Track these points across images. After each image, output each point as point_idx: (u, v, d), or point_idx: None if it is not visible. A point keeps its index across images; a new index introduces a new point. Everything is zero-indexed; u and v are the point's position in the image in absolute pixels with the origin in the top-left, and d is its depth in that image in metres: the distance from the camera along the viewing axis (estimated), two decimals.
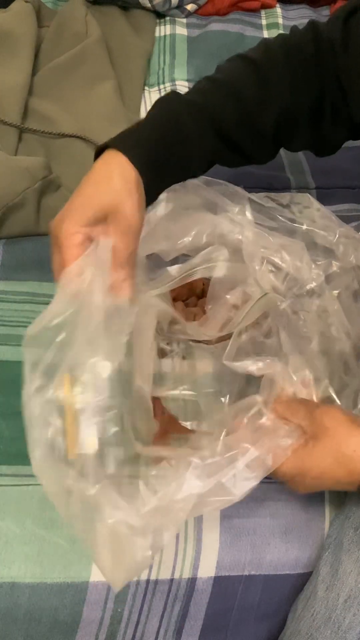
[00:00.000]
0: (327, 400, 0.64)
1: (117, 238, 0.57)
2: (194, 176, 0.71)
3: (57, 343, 0.57)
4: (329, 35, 0.69)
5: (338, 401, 0.64)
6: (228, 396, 0.70)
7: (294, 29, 0.72)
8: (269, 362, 0.65)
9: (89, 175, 0.60)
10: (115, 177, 0.58)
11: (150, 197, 0.63)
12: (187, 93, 0.68)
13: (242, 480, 0.56)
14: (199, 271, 0.70)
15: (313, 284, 0.72)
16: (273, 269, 0.73)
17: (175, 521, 0.54)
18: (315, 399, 0.64)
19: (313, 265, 0.72)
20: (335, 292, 0.73)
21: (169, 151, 0.64)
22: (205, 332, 0.72)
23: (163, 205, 0.72)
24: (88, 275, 0.57)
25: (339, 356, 0.69)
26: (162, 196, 0.73)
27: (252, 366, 0.66)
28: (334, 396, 0.65)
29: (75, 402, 0.61)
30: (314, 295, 0.72)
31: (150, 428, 0.67)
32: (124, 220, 0.57)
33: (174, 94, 0.68)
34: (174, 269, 0.69)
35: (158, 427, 0.67)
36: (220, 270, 0.70)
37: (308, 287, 0.72)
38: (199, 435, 0.63)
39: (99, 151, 0.63)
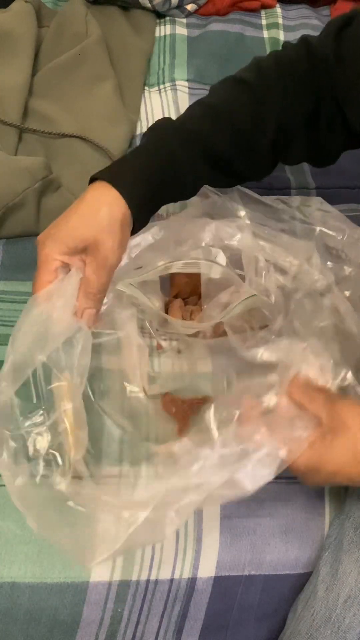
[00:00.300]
0: (346, 390, 0.63)
1: (91, 270, 0.59)
2: (185, 199, 0.72)
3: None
4: (322, 50, 0.69)
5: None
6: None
7: (286, 44, 0.73)
8: (285, 343, 0.65)
9: (77, 205, 0.61)
10: (101, 213, 0.60)
11: (142, 223, 0.65)
12: (180, 119, 0.69)
13: (255, 476, 0.55)
14: (183, 265, 0.70)
15: (323, 283, 0.72)
16: (279, 273, 0.73)
17: (182, 514, 0.53)
18: (333, 387, 0.62)
19: (322, 266, 0.73)
20: (347, 292, 0.73)
21: (161, 182, 0.65)
22: (192, 325, 0.72)
23: (156, 228, 0.73)
24: (56, 301, 0.59)
25: (353, 349, 0.69)
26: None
27: (268, 352, 0.66)
28: (356, 383, 0.63)
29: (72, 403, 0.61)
30: (324, 295, 0.72)
31: (152, 426, 0.67)
32: (102, 256, 0.59)
33: (165, 121, 0.69)
34: (160, 261, 0.70)
35: (176, 425, 0.68)
36: (206, 268, 0.70)
37: (318, 285, 0.72)
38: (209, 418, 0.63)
39: (91, 180, 0.64)
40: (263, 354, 0.66)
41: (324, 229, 0.77)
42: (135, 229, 0.64)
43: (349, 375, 0.63)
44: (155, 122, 0.69)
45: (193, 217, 0.76)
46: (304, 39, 0.71)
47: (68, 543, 0.54)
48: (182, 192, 0.69)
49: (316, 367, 0.62)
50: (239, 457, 0.55)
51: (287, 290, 0.72)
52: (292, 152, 0.72)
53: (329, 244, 0.77)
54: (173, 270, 0.71)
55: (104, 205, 0.60)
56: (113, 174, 0.62)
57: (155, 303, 0.74)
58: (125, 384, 0.72)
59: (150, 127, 0.69)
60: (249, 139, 0.69)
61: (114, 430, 0.69)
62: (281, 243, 0.74)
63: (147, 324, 0.76)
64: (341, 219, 0.78)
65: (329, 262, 0.76)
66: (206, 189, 0.77)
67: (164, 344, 0.76)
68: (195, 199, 0.75)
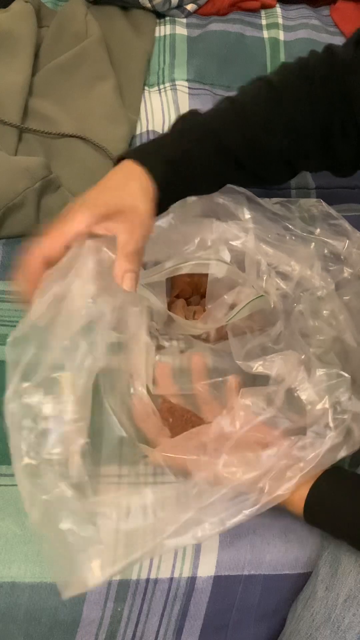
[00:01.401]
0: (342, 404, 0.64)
1: (127, 232, 0.60)
2: (206, 193, 0.74)
3: (37, 345, 0.58)
4: (342, 56, 0.70)
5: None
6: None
7: (312, 51, 0.75)
8: (280, 359, 0.66)
9: (108, 178, 0.64)
10: (133, 183, 0.62)
11: (162, 207, 0.66)
12: (205, 113, 0.71)
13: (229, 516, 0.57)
14: (193, 266, 0.70)
15: (324, 291, 0.72)
16: (280, 278, 0.73)
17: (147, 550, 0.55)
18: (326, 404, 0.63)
19: (324, 273, 0.73)
20: (346, 298, 0.73)
21: (179, 171, 0.66)
22: (198, 325, 0.72)
23: (164, 215, 0.73)
24: (71, 281, 0.59)
25: (352, 360, 0.69)
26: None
27: (262, 367, 0.66)
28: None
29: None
30: (324, 301, 0.72)
31: (154, 428, 0.67)
32: (137, 217, 0.60)
33: (191, 113, 0.71)
34: (169, 262, 0.70)
35: (167, 430, 0.68)
36: (215, 268, 0.70)
37: (319, 293, 0.72)
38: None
39: (117, 161, 0.66)
40: (258, 367, 0.66)
41: (325, 238, 0.77)
42: (156, 212, 0.65)
43: (342, 392, 0.64)
44: (185, 112, 0.72)
45: (195, 216, 0.75)
46: (329, 46, 0.73)
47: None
48: (201, 185, 0.71)
49: (309, 385, 0.64)
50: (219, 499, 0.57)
51: (287, 296, 0.73)
52: (307, 158, 0.73)
53: (328, 248, 0.77)
54: (184, 272, 0.71)
55: (135, 177, 0.62)
56: (141, 155, 0.65)
57: (162, 303, 0.74)
58: (131, 382, 0.71)
59: (179, 116, 0.71)
60: (260, 138, 0.69)
61: (114, 429, 0.69)
62: (284, 248, 0.74)
63: (153, 324, 0.76)
64: (343, 225, 0.78)
65: (330, 264, 0.76)
66: None
67: (166, 344, 0.76)
68: (195, 198, 0.76)
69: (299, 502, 0.60)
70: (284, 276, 0.73)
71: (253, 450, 0.60)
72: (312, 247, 0.75)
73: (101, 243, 0.61)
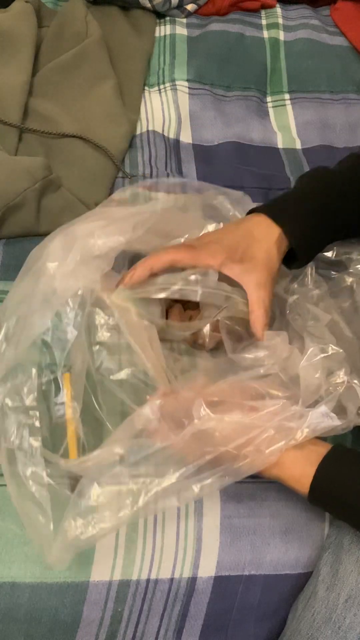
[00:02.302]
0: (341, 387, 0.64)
1: (261, 287, 0.65)
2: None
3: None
4: None
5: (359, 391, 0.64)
6: None
7: None
8: (271, 347, 0.66)
9: (241, 226, 0.68)
10: (268, 239, 0.66)
11: (306, 258, 0.71)
12: (335, 169, 0.75)
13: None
14: (179, 292, 0.69)
15: (316, 294, 0.72)
16: None
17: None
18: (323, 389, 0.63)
19: (316, 277, 0.73)
20: (345, 304, 0.73)
21: (320, 224, 0.70)
22: (192, 325, 0.72)
23: (159, 203, 0.73)
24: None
25: (350, 348, 0.69)
26: (160, 195, 0.73)
27: (252, 355, 0.67)
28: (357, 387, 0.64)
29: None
30: (317, 300, 0.73)
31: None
32: (269, 273, 0.66)
33: (321, 169, 0.74)
34: (159, 279, 0.69)
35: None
36: (200, 296, 0.70)
37: (311, 294, 0.72)
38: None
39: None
40: (248, 358, 0.67)
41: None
42: (298, 265, 0.70)
43: (342, 373, 0.64)
44: (308, 170, 0.76)
45: (195, 209, 0.75)
46: None
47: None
48: (343, 234, 0.74)
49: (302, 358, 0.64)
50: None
51: (282, 298, 0.73)
52: None
53: (340, 259, 0.77)
54: (168, 296, 0.71)
55: (264, 239, 0.66)
56: (274, 211, 0.68)
57: (154, 310, 0.73)
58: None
59: (305, 174, 0.75)
60: None
61: (114, 394, 0.68)
62: None
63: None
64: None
65: (332, 272, 0.76)
66: (209, 185, 0.78)
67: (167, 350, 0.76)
68: (195, 197, 0.76)
69: (304, 481, 0.59)
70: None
71: (242, 411, 0.60)
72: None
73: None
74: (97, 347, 0.67)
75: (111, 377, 0.67)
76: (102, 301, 0.67)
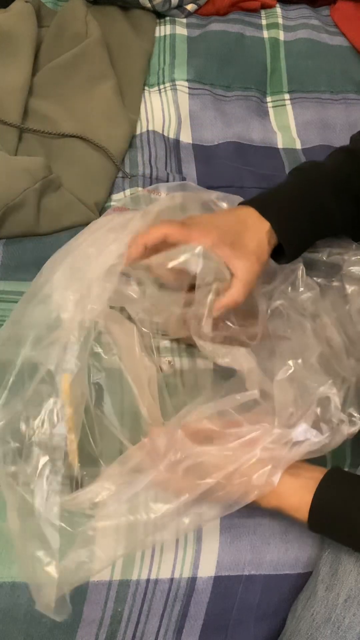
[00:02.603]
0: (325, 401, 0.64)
1: (247, 271, 0.65)
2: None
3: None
4: None
5: (338, 401, 0.64)
6: None
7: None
8: (242, 353, 0.66)
9: (230, 215, 0.69)
10: (251, 233, 0.66)
11: (294, 254, 0.71)
12: (323, 164, 0.74)
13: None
14: (185, 263, 0.69)
15: (308, 294, 0.72)
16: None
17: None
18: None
19: (307, 279, 0.73)
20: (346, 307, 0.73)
21: (311, 223, 0.70)
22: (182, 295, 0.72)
23: (157, 205, 0.73)
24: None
25: (335, 352, 0.69)
26: (162, 195, 0.73)
27: (223, 356, 0.68)
28: (334, 397, 0.64)
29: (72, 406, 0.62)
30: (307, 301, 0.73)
31: None
32: (257, 263, 0.66)
33: (310, 164, 0.75)
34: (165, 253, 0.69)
35: None
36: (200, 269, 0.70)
37: (302, 297, 0.72)
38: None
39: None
40: (225, 357, 0.68)
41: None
42: (287, 260, 0.70)
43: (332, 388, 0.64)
44: (299, 165, 0.76)
45: (189, 213, 0.75)
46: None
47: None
48: (331, 230, 0.74)
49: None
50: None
51: (268, 295, 0.73)
52: None
53: (333, 261, 0.77)
54: (176, 266, 0.70)
55: (255, 230, 0.66)
56: (263, 205, 0.68)
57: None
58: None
59: (295, 168, 0.75)
60: None
61: (111, 432, 0.69)
62: None
63: (150, 341, 0.76)
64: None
65: (334, 280, 0.76)
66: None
67: (164, 367, 0.76)
68: (193, 195, 0.76)
69: (304, 509, 0.59)
70: (266, 281, 0.74)
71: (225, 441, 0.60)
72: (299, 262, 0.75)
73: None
74: (97, 383, 0.67)
75: (108, 415, 0.67)
76: (104, 336, 0.68)
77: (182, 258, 0.65)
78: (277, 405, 0.63)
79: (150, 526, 0.58)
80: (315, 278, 0.75)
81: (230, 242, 0.65)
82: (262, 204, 0.69)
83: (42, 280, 0.68)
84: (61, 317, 0.64)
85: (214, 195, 0.76)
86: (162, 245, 0.65)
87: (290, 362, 0.65)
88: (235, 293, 0.65)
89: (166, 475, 0.58)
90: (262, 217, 0.67)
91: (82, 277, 0.66)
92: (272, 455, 0.59)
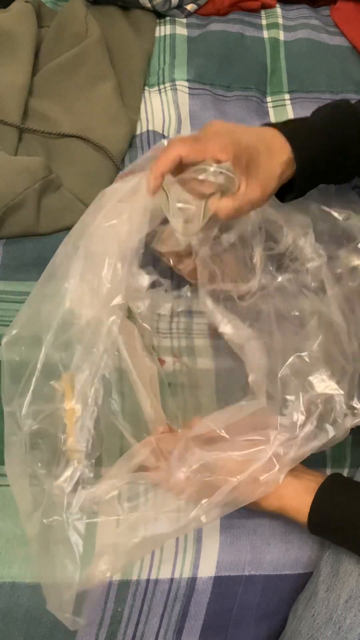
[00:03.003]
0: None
1: (255, 187, 0.62)
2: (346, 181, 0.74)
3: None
4: None
5: (342, 400, 0.64)
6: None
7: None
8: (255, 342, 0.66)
9: (252, 132, 0.65)
10: (274, 148, 0.64)
11: (301, 192, 0.69)
12: (353, 105, 0.72)
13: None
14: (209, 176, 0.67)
15: (313, 264, 0.71)
16: (272, 241, 0.72)
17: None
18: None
19: (316, 245, 0.72)
20: (353, 283, 0.72)
21: (329, 158, 0.68)
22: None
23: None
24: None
25: (337, 340, 0.68)
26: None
27: (225, 327, 0.67)
28: (339, 397, 0.64)
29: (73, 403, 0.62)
30: (314, 276, 0.72)
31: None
32: (269, 182, 0.64)
33: (338, 102, 0.73)
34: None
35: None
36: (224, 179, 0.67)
37: (309, 265, 0.71)
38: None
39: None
40: (227, 326, 0.67)
41: (324, 207, 0.76)
42: (293, 196, 0.68)
43: (331, 379, 0.64)
44: (333, 101, 0.74)
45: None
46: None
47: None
48: (348, 173, 0.72)
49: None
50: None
51: (273, 260, 0.72)
52: None
53: (347, 228, 0.76)
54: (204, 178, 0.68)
55: (274, 155, 0.64)
56: (292, 132, 0.65)
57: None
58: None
59: (323, 108, 0.73)
60: None
61: (116, 430, 0.69)
62: (281, 212, 0.73)
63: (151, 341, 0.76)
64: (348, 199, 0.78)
65: (342, 250, 0.75)
66: None
67: (167, 359, 0.76)
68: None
69: (305, 511, 0.60)
70: (275, 240, 0.73)
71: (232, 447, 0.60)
72: (309, 215, 0.73)
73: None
74: (104, 380, 0.67)
75: (112, 412, 0.67)
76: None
77: (201, 176, 0.63)
78: (281, 404, 0.63)
79: (152, 527, 0.58)
80: (324, 244, 0.74)
81: (246, 162, 0.62)
82: (288, 130, 0.66)
83: (57, 268, 0.67)
84: (76, 312, 0.64)
85: None
86: (179, 167, 0.63)
87: (293, 357, 0.65)
88: (229, 206, 0.63)
89: (177, 477, 0.59)
90: (286, 144, 0.65)
91: (98, 264, 0.65)
92: (278, 458, 0.60)
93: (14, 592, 0.62)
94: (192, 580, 0.65)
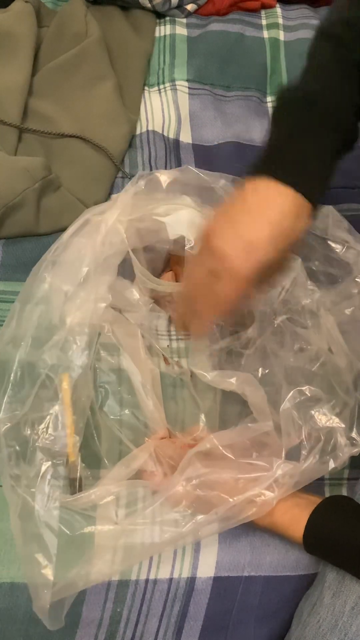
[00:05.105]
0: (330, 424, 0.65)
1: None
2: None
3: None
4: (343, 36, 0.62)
5: (343, 432, 0.65)
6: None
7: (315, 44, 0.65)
8: (243, 378, 0.66)
9: (264, 208, 0.53)
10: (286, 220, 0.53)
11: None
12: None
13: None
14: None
15: (308, 301, 0.72)
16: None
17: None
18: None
19: (307, 285, 0.72)
20: (348, 310, 0.73)
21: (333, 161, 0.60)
22: (162, 282, 0.72)
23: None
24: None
25: (336, 372, 0.69)
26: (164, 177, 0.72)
27: (226, 381, 0.68)
28: (340, 430, 0.64)
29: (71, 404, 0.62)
30: (311, 313, 0.72)
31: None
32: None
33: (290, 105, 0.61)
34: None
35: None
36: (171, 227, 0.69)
37: (303, 302, 0.72)
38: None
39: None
40: (215, 377, 0.68)
41: (327, 238, 0.76)
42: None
43: (332, 410, 0.64)
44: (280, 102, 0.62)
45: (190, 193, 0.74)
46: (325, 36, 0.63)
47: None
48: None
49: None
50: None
51: (269, 307, 0.73)
52: None
53: (332, 255, 0.76)
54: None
55: (285, 210, 0.53)
56: (279, 168, 0.54)
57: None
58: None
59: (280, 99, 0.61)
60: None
61: (114, 432, 0.69)
62: None
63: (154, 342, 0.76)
64: (346, 229, 0.77)
65: (341, 281, 0.75)
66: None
67: (171, 360, 0.76)
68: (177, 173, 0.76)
69: (296, 526, 0.61)
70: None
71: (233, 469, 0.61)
72: (298, 261, 0.72)
73: None
74: (101, 385, 0.67)
75: (112, 416, 0.67)
76: (108, 337, 0.69)
77: None
78: (284, 436, 0.64)
79: (148, 535, 0.58)
80: (318, 274, 0.74)
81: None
82: (283, 169, 0.55)
83: (38, 279, 0.68)
84: (61, 317, 0.64)
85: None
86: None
87: (294, 392, 0.65)
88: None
89: (175, 489, 0.59)
90: (289, 189, 0.53)
91: (78, 271, 0.66)
92: (277, 484, 0.60)
93: (13, 592, 0.62)
94: (192, 580, 0.65)
